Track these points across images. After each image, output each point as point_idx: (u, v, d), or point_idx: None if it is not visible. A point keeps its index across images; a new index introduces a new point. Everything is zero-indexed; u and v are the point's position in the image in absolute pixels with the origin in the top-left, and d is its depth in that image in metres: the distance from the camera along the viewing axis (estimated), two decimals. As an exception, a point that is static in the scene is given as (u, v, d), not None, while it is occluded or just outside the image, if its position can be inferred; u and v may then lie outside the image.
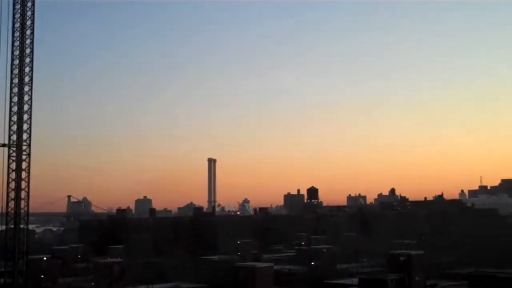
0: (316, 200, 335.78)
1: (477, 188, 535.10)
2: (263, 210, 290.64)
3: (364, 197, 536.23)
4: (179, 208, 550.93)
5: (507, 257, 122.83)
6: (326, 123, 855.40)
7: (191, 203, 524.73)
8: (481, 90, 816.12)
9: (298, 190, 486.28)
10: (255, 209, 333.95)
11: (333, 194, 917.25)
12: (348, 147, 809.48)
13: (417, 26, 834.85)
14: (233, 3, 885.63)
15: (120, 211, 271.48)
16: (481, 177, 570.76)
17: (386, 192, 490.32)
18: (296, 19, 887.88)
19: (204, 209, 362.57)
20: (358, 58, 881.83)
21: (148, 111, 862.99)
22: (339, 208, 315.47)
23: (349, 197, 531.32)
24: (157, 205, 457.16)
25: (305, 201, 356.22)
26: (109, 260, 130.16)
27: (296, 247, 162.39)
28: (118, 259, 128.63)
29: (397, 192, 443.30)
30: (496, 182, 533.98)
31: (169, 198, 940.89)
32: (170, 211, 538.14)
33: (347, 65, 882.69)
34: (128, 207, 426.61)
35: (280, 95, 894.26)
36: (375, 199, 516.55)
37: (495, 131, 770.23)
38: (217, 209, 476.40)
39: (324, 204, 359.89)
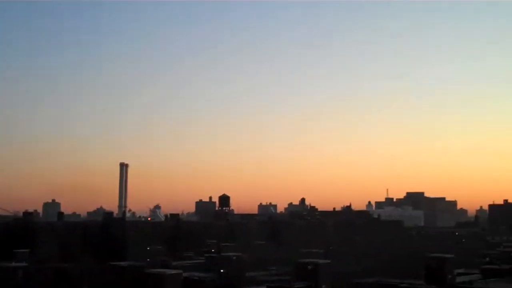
0: (228, 208, 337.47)
1: (383, 200, 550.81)
2: (174, 217, 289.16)
3: (275, 206, 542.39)
4: (88, 213, 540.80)
5: (409, 268, 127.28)
6: (238, 130, 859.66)
7: (101, 207, 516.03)
8: (388, 105, 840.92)
9: (210, 197, 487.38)
10: (166, 216, 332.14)
11: (244, 202, 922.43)
12: (260, 155, 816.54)
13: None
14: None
15: (26, 214, 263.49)
16: (387, 189, 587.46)
17: (296, 202, 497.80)
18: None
19: (114, 214, 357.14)
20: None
21: (60, 113, 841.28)
22: (250, 216, 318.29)
23: (260, 206, 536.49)
24: (66, 209, 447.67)
25: (217, 208, 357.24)
26: (13, 264, 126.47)
27: (206, 254, 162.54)
28: (23, 264, 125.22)
29: (307, 202, 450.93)
30: (401, 195, 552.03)
31: (78, 202, 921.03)
32: (79, 215, 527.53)
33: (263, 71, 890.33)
34: (35, 211, 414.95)
35: (191, 102, 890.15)
36: (285, 208, 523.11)
37: (401, 145, 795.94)
38: (127, 214, 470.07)
39: (236, 212, 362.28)
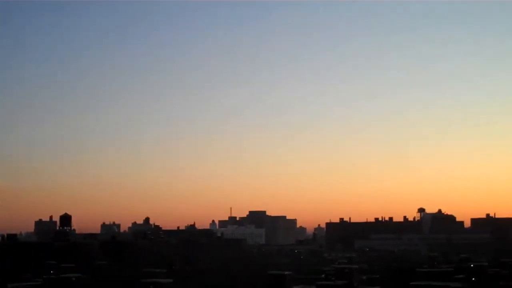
0: (69, 227, 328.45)
1: (227, 219, 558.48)
2: (11, 237, 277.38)
3: (118, 225, 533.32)
4: None
5: (251, 285, 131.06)
6: (78, 148, 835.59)
7: None
8: (227, 129, 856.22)
9: (51, 217, 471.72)
10: (2, 236, 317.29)
11: (86, 222, 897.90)
12: (101, 173, 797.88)
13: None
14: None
15: None
16: (231, 208, 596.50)
17: (140, 221, 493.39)
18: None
19: None
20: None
21: None
22: (92, 235, 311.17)
23: (103, 225, 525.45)
24: None
25: (57, 228, 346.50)
26: None
27: (44, 276, 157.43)
28: None
29: (151, 221, 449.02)
30: (244, 214, 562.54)
31: None
32: None
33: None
34: None
35: (28, 116, 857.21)
36: (129, 228, 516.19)
37: (243, 165, 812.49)
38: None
39: (77, 231, 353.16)
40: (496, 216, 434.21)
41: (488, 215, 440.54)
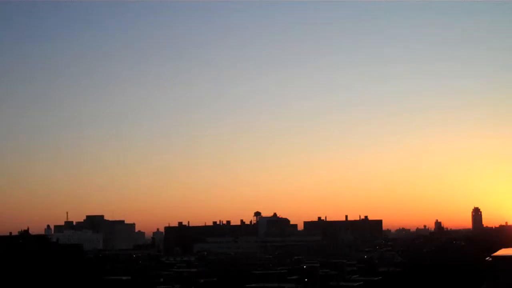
0: None
1: (63, 223, 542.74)
2: None
3: None
4: None
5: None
6: None
7: None
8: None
9: None
10: None
11: None
12: None
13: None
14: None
15: None
16: (67, 212, 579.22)
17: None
18: None
19: None
20: None
21: None
22: None
23: None
24: None
25: None
26: None
27: None
28: None
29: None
30: (81, 218, 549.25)
31: None
32: None
33: None
34: None
35: None
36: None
37: (78, 166, 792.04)
38: None
39: None
40: (327, 219, 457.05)
41: (319, 218, 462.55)
